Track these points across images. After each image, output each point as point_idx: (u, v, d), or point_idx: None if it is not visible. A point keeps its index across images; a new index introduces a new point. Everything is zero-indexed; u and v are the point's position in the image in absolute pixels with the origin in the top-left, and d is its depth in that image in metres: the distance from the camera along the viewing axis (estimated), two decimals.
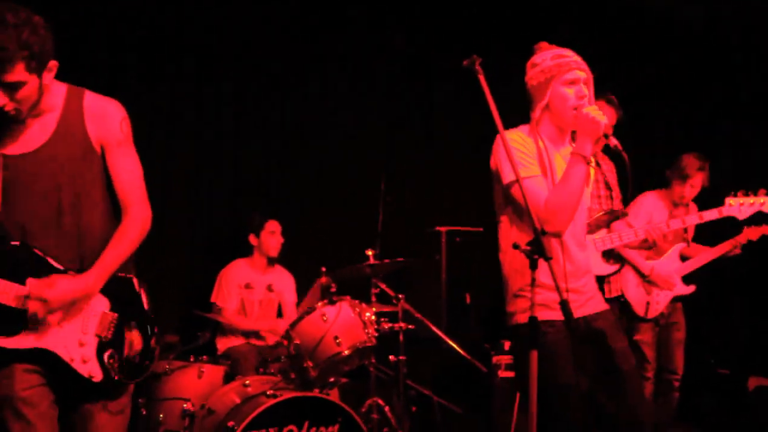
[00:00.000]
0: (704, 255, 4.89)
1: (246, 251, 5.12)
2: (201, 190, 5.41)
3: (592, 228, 3.70)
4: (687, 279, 4.87)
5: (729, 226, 4.69)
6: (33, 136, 2.46)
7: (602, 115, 2.61)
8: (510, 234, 2.78)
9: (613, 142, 2.67)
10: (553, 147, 2.80)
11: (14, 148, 2.45)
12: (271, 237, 5.06)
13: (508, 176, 2.68)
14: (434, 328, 4.42)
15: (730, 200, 4.30)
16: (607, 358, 2.74)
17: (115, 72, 4.92)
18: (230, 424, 3.58)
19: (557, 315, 2.56)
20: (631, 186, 2.80)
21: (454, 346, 4.45)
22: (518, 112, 2.89)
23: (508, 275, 2.80)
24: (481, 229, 5.70)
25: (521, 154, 2.68)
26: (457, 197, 6.06)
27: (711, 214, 4.32)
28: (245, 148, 5.54)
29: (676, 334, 4.93)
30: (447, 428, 5.07)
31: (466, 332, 5.44)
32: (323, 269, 4.25)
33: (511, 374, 5.46)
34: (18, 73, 2.28)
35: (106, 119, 2.54)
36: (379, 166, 5.62)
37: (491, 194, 4.32)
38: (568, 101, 2.71)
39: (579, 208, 2.70)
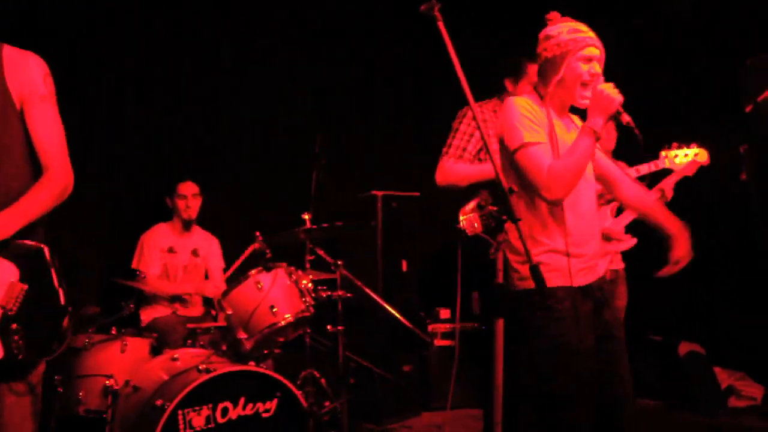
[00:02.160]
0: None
1: (168, 215, 4.80)
2: (122, 153, 5.08)
3: None
4: None
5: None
6: None
7: (618, 93, 2.58)
8: (521, 201, 2.71)
9: (626, 118, 2.60)
10: (558, 120, 2.78)
11: None
12: (181, 200, 4.78)
13: (515, 140, 2.65)
14: (374, 296, 4.21)
15: (663, 153, 4.25)
16: (606, 323, 2.72)
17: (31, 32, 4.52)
18: (159, 402, 3.30)
19: (564, 281, 2.58)
20: (643, 155, 2.72)
21: (397, 315, 4.27)
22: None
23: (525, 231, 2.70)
24: (418, 194, 5.56)
25: (528, 121, 2.65)
26: (395, 161, 5.88)
27: (646, 168, 4.26)
28: (173, 108, 5.25)
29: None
30: (386, 399, 4.92)
31: (402, 300, 5.28)
32: (258, 234, 3.98)
33: (447, 342, 5.37)
34: None
35: (28, 72, 2.35)
36: (313, 127, 5.37)
37: (430, 159, 4.17)
38: (581, 78, 2.69)
39: (584, 178, 2.69)
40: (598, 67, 2.70)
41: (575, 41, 2.69)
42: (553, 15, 2.83)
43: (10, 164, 2.31)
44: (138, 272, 4.64)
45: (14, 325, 2.22)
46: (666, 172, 4.52)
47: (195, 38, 5.34)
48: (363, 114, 5.90)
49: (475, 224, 3.71)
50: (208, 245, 4.93)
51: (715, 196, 5.67)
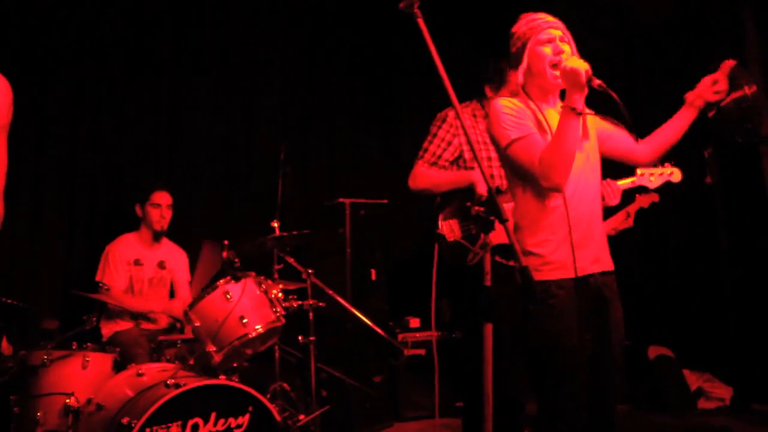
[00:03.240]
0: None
1: (134, 225, 4.62)
2: (83, 162, 4.89)
3: None
4: None
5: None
6: None
7: (581, 63, 2.58)
8: (518, 194, 2.76)
9: (596, 82, 2.57)
10: (546, 105, 2.80)
11: None
12: (155, 210, 4.60)
13: (503, 139, 2.69)
14: (347, 305, 4.10)
15: (640, 170, 4.25)
16: (604, 325, 2.72)
17: None
18: (125, 420, 3.14)
19: (566, 273, 2.61)
20: (630, 121, 2.70)
21: (371, 324, 4.16)
22: None
23: (518, 231, 2.75)
24: (386, 201, 5.47)
25: (512, 117, 2.69)
26: (362, 168, 5.79)
27: (626, 183, 4.25)
28: (137, 117, 5.10)
29: None
30: (358, 410, 4.81)
31: (371, 309, 5.18)
32: (225, 242, 3.84)
33: (418, 351, 5.28)
34: None
35: None
36: (279, 135, 5.27)
37: (397, 165, 4.10)
38: (545, 59, 2.73)
39: (589, 167, 2.75)
40: (564, 46, 2.73)
41: (531, 28, 2.78)
42: (524, 15, 2.86)
43: None
44: (102, 285, 4.46)
45: None
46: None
47: (156, 44, 5.19)
48: (329, 121, 5.80)
49: (454, 230, 3.67)
50: (176, 258, 4.77)
51: (680, 199, 5.70)
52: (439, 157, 3.79)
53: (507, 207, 3.52)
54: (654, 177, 4.30)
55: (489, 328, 2.22)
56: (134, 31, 5.11)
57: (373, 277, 5.39)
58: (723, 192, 5.55)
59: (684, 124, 2.92)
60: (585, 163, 2.76)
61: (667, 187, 4.68)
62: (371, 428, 4.86)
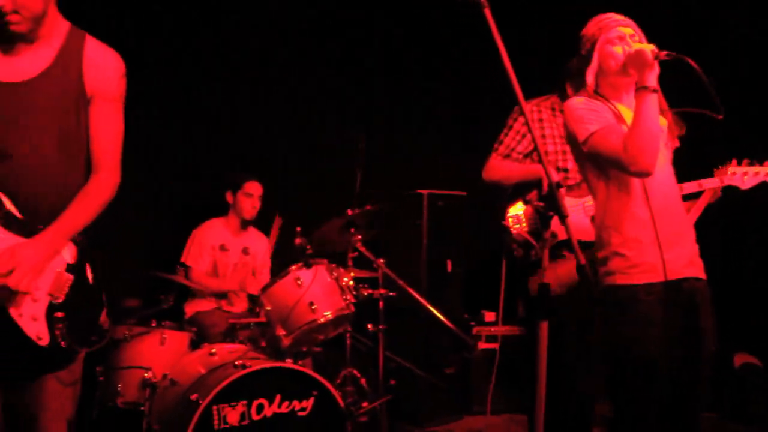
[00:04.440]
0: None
1: (220, 211, 4.77)
2: (171, 145, 5.07)
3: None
4: None
5: None
6: (25, 66, 2.19)
7: (644, 44, 2.55)
8: (599, 193, 2.69)
9: (663, 53, 2.50)
10: (620, 102, 2.74)
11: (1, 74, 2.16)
12: (247, 199, 4.72)
13: (581, 133, 2.63)
14: (417, 296, 4.10)
15: (732, 168, 4.02)
16: (693, 336, 2.58)
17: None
18: (194, 396, 3.26)
19: (655, 276, 2.51)
20: (713, 91, 2.54)
21: (439, 315, 4.16)
22: None
23: (602, 231, 2.67)
24: (465, 193, 5.44)
25: (588, 111, 2.64)
26: (441, 160, 5.76)
27: (712, 182, 4.06)
28: (218, 104, 5.22)
29: None
30: (427, 401, 4.82)
31: (446, 301, 5.17)
32: (298, 229, 3.91)
33: (492, 345, 5.23)
34: None
35: (107, 69, 2.31)
36: (358, 126, 5.31)
37: (477, 157, 4.06)
38: (615, 58, 2.67)
39: (667, 166, 2.69)
40: (636, 44, 2.63)
41: (600, 28, 2.73)
42: (594, 17, 2.82)
43: (78, 166, 2.30)
44: (184, 266, 4.62)
45: (59, 314, 2.20)
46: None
47: (239, 32, 5.30)
48: (409, 111, 5.79)
49: (522, 224, 3.62)
50: (259, 244, 4.89)
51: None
52: (513, 149, 3.77)
53: (578, 203, 3.50)
54: (747, 177, 4.07)
55: (544, 327, 2.18)
56: (229, 18, 5.25)
57: (449, 269, 5.37)
58: None
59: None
60: (665, 162, 2.68)
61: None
62: (440, 420, 4.86)
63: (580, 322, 3.34)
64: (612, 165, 2.58)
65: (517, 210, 3.66)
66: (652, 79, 2.53)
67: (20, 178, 2.17)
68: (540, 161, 2.32)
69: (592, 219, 3.52)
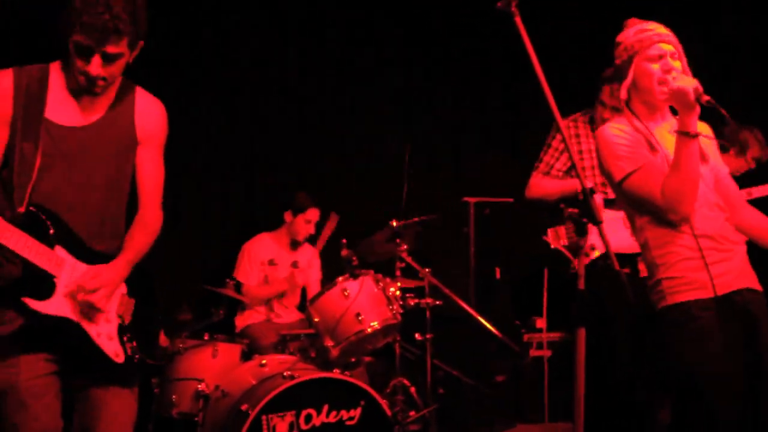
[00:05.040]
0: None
1: (269, 225, 4.86)
2: (221, 161, 5.19)
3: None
4: None
5: None
6: (83, 113, 2.38)
7: (689, 80, 2.44)
8: (639, 223, 2.59)
9: (705, 98, 2.41)
10: (653, 124, 2.63)
11: (61, 118, 2.35)
12: (306, 225, 4.86)
13: (617, 173, 2.56)
14: (463, 304, 4.12)
15: None
16: (754, 351, 2.45)
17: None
18: (244, 407, 3.34)
19: (706, 293, 2.43)
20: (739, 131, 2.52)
21: (485, 323, 4.16)
22: None
23: (647, 256, 2.60)
24: (512, 200, 5.41)
25: (624, 147, 2.54)
26: (487, 167, 5.75)
27: (759, 191, 4.02)
28: (264, 120, 5.34)
29: None
30: (476, 410, 4.81)
31: (495, 309, 5.16)
32: (343, 241, 3.97)
33: (543, 353, 5.19)
34: (122, 45, 2.24)
35: (155, 118, 2.54)
36: (404, 135, 5.35)
37: (523, 164, 4.08)
38: (653, 77, 2.55)
39: (708, 186, 2.56)
40: (675, 63, 2.55)
41: (640, 41, 2.58)
42: (630, 21, 2.71)
43: (120, 190, 2.49)
44: (235, 281, 4.72)
45: (128, 334, 2.41)
46: None
47: (289, 47, 5.41)
48: (455, 119, 5.81)
49: (560, 236, 3.72)
50: (309, 257, 4.98)
51: None
52: (552, 166, 3.84)
53: (618, 216, 3.53)
54: None
55: (581, 334, 2.18)
56: (263, 36, 5.36)
57: (498, 277, 5.36)
58: None
59: None
60: (703, 184, 2.55)
61: None
62: (491, 428, 4.84)
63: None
64: (648, 208, 2.51)
65: (558, 223, 3.75)
66: (694, 123, 2.43)
67: (71, 207, 2.35)
68: (576, 175, 2.30)
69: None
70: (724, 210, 2.59)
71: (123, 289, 2.43)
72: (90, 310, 2.29)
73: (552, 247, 3.73)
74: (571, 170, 3.78)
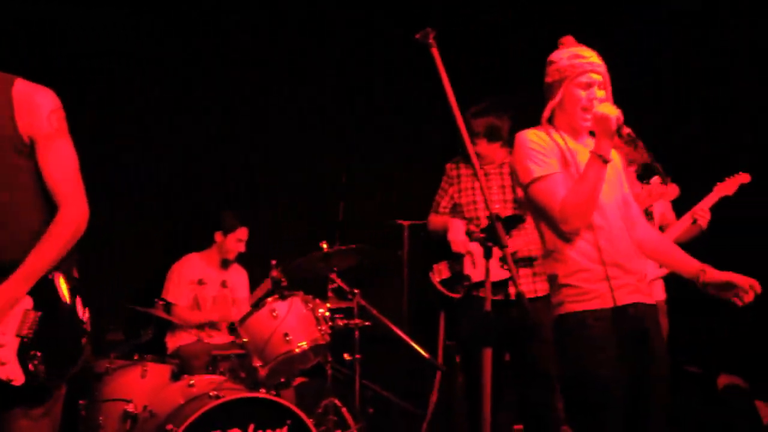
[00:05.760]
0: (675, 228, 4.59)
1: (198, 246, 4.87)
2: (153, 181, 5.17)
3: None
4: None
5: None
6: None
7: (612, 109, 2.56)
8: (544, 228, 2.72)
9: (626, 131, 2.57)
10: (573, 140, 2.76)
11: None
12: (237, 243, 4.89)
13: (525, 176, 2.69)
14: (391, 325, 4.20)
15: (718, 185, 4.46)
16: (645, 359, 2.62)
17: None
18: (169, 427, 3.35)
19: (602, 303, 2.56)
20: (661, 169, 2.79)
21: (412, 343, 4.24)
22: None
23: (549, 264, 2.73)
24: None
25: (538, 154, 2.67)
26: (422, 190, 5.84)
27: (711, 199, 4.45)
28: (195, 138, 5.33)
29: None
30: (406, 429, 4.87)
31: (430, 330, 5.23)
32: (273, 262, 4.02)
33: None
34: None
35: (33, 111, 2.34)
36: (341, 157, 5.42)
37: None
38: (579, 103, 2.70)
39: (614, 200, 2.70)
40: (600, 93, 2.69)
41: (573, 67, 2.70)
42: (566, 39, 2.82)
43: (22, 204, 2.34)
44: (165, 302, 4.71)
45: (33, 352, 2.25)
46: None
47: (218, 62, 5.42)
48: (391, 142, 5.89)
49: (442, 271, 4.29)
50: (237, 277, 5.00)
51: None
52: (438, 204, 4.41)
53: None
54: (729, 182, 4.46)
55: (488, 354, 2.27)
56: (204, 52, 5.35)
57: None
58: None
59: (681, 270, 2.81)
60: (609, 196, 2.69)
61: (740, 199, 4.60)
62: None
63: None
64: (545, 216, 2.64)
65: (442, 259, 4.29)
66: (609, 151, 2.57)
67: None
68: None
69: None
70: (630, 230, 2.73)
71: (27, 304, 2.28)
72: None
73: (433, 281, 4.28)
74: (456, 207, 4.30)
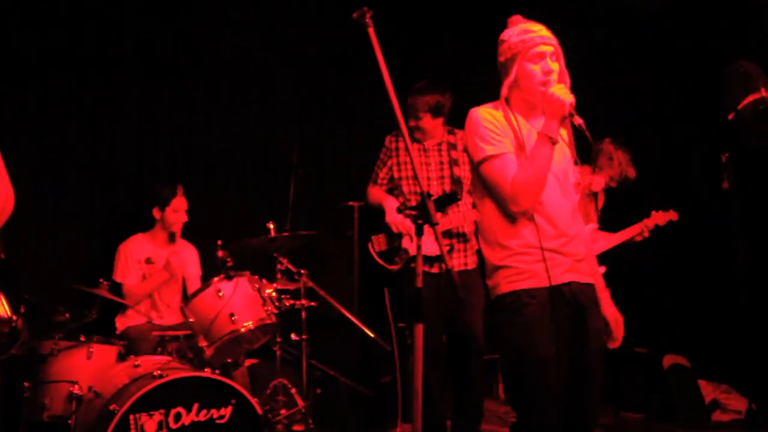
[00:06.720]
0: (609, 240, 4.75)
1: (146, 225, 4.84)
2: (102, 161, 5.12)
3: None
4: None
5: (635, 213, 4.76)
6: None
7: (568, 94, 2.59)
8: (485, 210, 2.74)
9: (578, 120, 2.58)
10: (526, 121, 2.75)
11: None
12: (175, 214, 4.79)
13: (477, 153, 2.69)
14: (338, 306, 4.24)
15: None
16: (581, 334, 2.66)
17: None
18: (112, 407, 3.34)
19: (538, 282, 2.60)
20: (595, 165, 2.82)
21: (359, 324, 4.28)
22: None
23: (487, 246, 2.75)
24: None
25: (490, 132, 2.67)
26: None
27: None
28: (151, 118, 5.28)
29: None
30: (354, 410, 4.91)
31: (381, 311, 5.27)
32: (219, 242, 4.02)
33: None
34: None
35: None
36: (292, 137, 5.41)
37: None
38: (534, 78, 2.67)
39: (559, 182, 2.72)
40: (553, 65, 2.68)
41: (524, 42, 2.68)
42: (514, 18, 2.80)
43: None
44: (115, 283, 4.67)
45: None
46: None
47: (170, 44, 5.34)
48: (342, 123, 5.89)
49: (380, 243, 4.38)
50: (186, 253, 4.95)
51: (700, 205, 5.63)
52: (377, 175, 4.49)
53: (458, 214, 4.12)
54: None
55: (419, 329, 2.31)
56: (147, 31, 5.28)
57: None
58: (740, 198, 5.43)
59: None
60: (554, 179, 2.71)
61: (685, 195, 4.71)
62: (368, 428, 4.95)
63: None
64: (495, 195, 2.65)
65: (381, 231, 4.41)
66: (557, 131, 2.60)
67: None
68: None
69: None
70: (573, 205, 2.77)
71: None
72: None
73: (372, 252, 4.36)
74: (393, 180, 4.38)
